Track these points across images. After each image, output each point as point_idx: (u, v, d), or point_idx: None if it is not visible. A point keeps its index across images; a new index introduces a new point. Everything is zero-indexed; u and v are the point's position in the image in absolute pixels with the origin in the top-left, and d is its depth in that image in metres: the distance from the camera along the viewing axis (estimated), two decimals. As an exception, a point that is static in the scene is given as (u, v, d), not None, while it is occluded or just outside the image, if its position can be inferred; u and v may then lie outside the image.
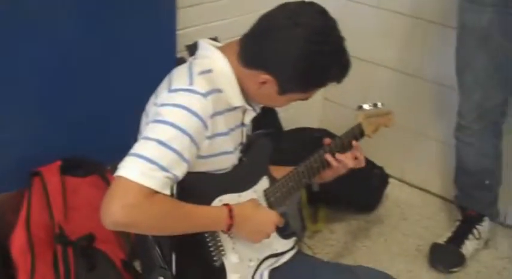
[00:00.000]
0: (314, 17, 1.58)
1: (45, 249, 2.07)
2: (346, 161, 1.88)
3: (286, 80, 1.62)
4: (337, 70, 1.64)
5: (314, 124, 3.33)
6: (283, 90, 1.64)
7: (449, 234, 2.76)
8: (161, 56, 2.37)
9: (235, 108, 1.67)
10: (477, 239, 2.74)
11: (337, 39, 1.62)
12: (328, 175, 1.94)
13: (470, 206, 2.77)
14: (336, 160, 1.87)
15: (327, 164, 1.89)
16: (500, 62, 2.40)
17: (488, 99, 2.49)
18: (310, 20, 1.57)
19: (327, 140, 1.92)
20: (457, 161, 2.74)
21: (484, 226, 2.77)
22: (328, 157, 1.87)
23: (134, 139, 1.57)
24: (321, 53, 1.58)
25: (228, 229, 1.61)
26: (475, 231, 2.74)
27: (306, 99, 1.72)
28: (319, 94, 3.33)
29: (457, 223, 2.79)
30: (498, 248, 2.80)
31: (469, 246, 2.72)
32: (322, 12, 1.61)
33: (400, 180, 3.24)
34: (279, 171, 1.86)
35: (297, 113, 3.21)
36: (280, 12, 1.61)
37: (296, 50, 1.56)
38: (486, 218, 2.77)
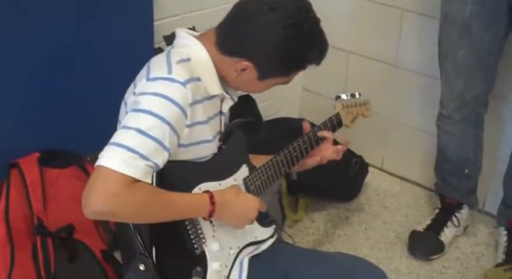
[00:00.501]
0: (288, 0, 1.59)
1: (24, 241, 2.06)
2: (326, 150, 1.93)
3: (265, 65, 1.63)
4: (315, 52, 1.65)
5: (293, 114, 3.34)
6: (263, 75, 1.65)
7: (428, 222, 2.78)
8: (139, 47, 2.36)
9: (213, 97, 1.67)
10: (456, 226, 2.76)
11: (312, 21, 1.63)
12: (308, 163, 1.96)
13: (449, 194, 2.79)
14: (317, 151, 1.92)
15: (306, 153, 1.90)
16: (481, 53, 2.42)
17: (469, 89, 2.50)
18: (284, 3, 1.58)
19: (307, 126, 1.93)
20: (438, 150, 2.75)
21: (463, 214, 2.79)
22: (324, 132, 1.93)
23: (114, 129, 1.57)
24: (298, 36, 1.59)
25: (210, 216, 1.61)
26: (454, 218, 2.76)
27: (287, 83, 1.73)
28: (298, 84, 3.37)
29: (436, 211, 2.82)
30: (477, 235, 2.83)
31: (448, 234, 2.74)
32: None
33: (380, 169, 3.26)
34: (259, 160, 1.87)
35: (277, 103, 3.22)
36: None
37: (273, 35, 1.57)
38: (465, 206, 2.80)
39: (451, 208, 2.78)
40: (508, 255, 2.61)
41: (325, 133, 1.96)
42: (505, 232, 2.69)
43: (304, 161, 1.95)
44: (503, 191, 2.70)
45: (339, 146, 1.98)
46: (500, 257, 2.63)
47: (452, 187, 2.78)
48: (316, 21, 1.64)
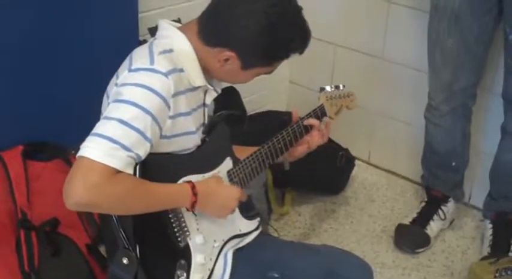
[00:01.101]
0: None
1: (8, 235, 2.04)
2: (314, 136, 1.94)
3: (248, 55, 1.62)
4: (298, 41, 1.65)
5: (281, 107, 3.33)
6: (247, 65, 1.65)
7: (414, 215, 2.78)
8: (124, 39, 2.34)
9: (196, 88, 1.66)
10: (442, 219, 2.77)
11: (295, 9, 1.63)
12: (298, 152, 1.96)
13: (436, 187, 2.79)
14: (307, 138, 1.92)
15: (290, 145, 1.90)
16: (469, 43, 2.43)
17: (458, 80, 2.51)
18: None
19: (296, 117, 1.93)
20: (426, 141, 2.76)
21: (449, 207, 2.80)
22: (311, 120, 1.93)
23: (97, 122, 1.56)
24: (281, 25, 1.59)
25: (192, 206, 1.61)
26: (440, 212, 2.77)
27: (270, 72, 1.73)
28: (285, 78, 3.36)
29: (422, 204, 2.82)
30: (463, 228, 2.84)
31: (433, 227, 2.75)
32: None
33: (367, 162, 3.26)
34: (243, 151, 1.86)
35: (264, 96, 3.22)
36: None
37: (255, 24, 1.57)
38: (451, 199, 2.80)
39: (437, 201, 2.79)
40: (493, 248, 2.62)
41: (311, 121, 1.95)
42: (490, 225, 2.70)
43: (293, 151, 1.95)
44: (489, 184, 2.70)
45: (323, 129, 1.97)
46: (486, 250, 2.64)
47: (439, 180, 2.78)
48: (298, 10, 1.64)
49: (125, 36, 2.36)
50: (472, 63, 2.49)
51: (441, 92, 2.56)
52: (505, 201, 2.67)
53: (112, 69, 1.68)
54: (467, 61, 2.47)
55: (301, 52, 1.68)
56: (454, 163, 2.72)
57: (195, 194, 1.59)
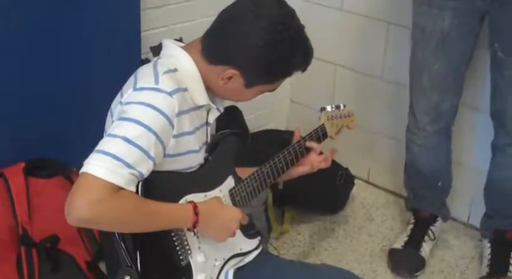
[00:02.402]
0: (273, 7, 1.60)
1: (8, 251, 2.05)
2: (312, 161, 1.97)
3: (251, 73, 1.64)
4: (300, 58, 1.66)
5: (281, 126, 3.35)
6: (250, 83, 1.66)
7: (405, 238, 2.77)
8: (126, 58, 2.36)
9: (200, 107, 1.68)
10: (432, 240, 2.77)
11: (297, 27, 1.64)
12: (298, 172, 1.98)
13: (422, 208, 2.79)
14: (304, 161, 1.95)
15: (291, 164, 1.91)
16: (455, 64, 2.44)
17: (444, 101, 2.51)
18: (269, 10, 1.59)
19: (297, 135, 1.96)
20: (409, 163, 2.76)
21: (437, 226, 2.80)
22: (311, 143, 1.95)
23: (100, 139, 1.57)
24: (283, 43, 1.60)
25: (194, 226, 1.61)
26: (429, 232, 2.77)
27: (273, 90, 1.74)
28: (286, 96, 3.38)
29: (411, 226, 2.81)
30: (462, 248, 2.83)
31: (426, 248, 2.74)
32: (281, 1, 1.63)
33: (366, 181, 3.27)
34: (244, 172, 1.87)
35: (265, 115, 3.23)
36: (239, 5, 1.63)
37: (258, 42, 1.58)
38: (439, 219, 2.81)
39: (426, 222, 2.79)
40: (492, 267, 2.62)
41: (312, 144, 1.97)
42: (488, 244, 2.70)
43: (294, 170, 1.96)
44: (484, 202, 2.71)
45: (327, 154, 1.99)
46: (484, 270, 2.64)
47: (426, 201, 2.78)
48: (300, 28, 1.65)
49: (127, 55, 2.38)
50: (456, 83, 2.50)
51: (428, 113, 2.56)
52: (500, 219, 2.67)
53: (114, 87, 1.69)
54: (453, 82, 2.49)
55: (303, 70, 1.70)
56: (440, 183, 2.72)
57: (196, 214, 1.59)
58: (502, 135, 2.51)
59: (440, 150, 2.66)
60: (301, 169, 1.97)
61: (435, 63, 2.44)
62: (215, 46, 1.64)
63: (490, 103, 2.51)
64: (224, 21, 1.65)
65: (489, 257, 2.66)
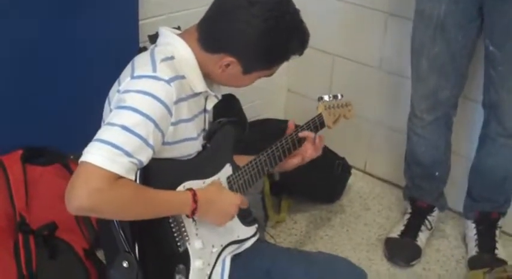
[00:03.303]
0: None
1: (6, 238, 2.04)
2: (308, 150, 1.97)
3: (249, 59, 1.64)
4: (297, 42, 1.67)
5: (278, 115, 3.35)
6: (248, 69, 1.67)
7: (401, 227, 2.79)
8: (124, 46, 2.35)
9: (197, 94, 1.68)
10: (429, 229, 2.79)
11: (292, 12, 1.64)
12: (290, 164, 1.97)
13: (420, 197, 2.80)
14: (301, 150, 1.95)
15: (288, 153, 1.92)
16: (454, 53, 2.44)
17: (442, 88, 2.52)
18: None
19: (291, 126, 1.95)
20: (408, 152, 2.77)
21: (434, 216, 2.82)
22: (306, 132, 1.96)
23: (98, 128, 1.57)
24: (279, 28, 1.60)
25: (193, 213, 1.62)
26: (426, 222, 2.78)
27: (271, 74, 1.75)
28: (284, 86, 3.38)
29: (407, 216, 2.82)
30: (457, 238, 2.85)
31: (422, 238, 2.76)
32: None
33: (363, 171, 3.28)
34: (242, 160, 1.88)
35: (262, 104, 3.23)
36: None
37: (254, 29, 1.58)
38: (436, 209, 2.82)
39: (423, 211, 2.80)
40: (481, 247, 2.66)
41: (305, 133, 1.97)
42: (473, 225, 2.72)
43: (286, 162, 1.96)
44: (468, 185, 2.73)
45: (316, 142, 1.99)
46: (473, 250, 2.67)
47: (424, 191, 2.79)
48: (296, 12, 1.65)
49: (125, 43, 2.37)
50: (456, 73, 2.50)
51: (425, 100, 2.57)
52: (487, 202, 2.70)
53: (112, 76, 1.69)
54: (452, 70, 2.49)
55: (300, 54, 1.71)
56: (437, 173, 2.73)
57: (195, 201, 1.60)
58: (493, 125, 2.52)
59: (438, 140, 2.67)
60: (293, 161, 1.98)
61: (434, 47, 2.44)
62: (211, 35, 1.65)
63: (483, 93, 2.53)
64: (219, 10, 1.65)
65: (475, 237, 2.69)
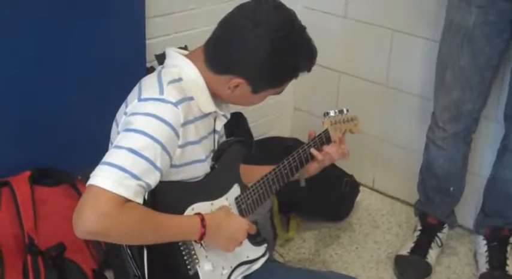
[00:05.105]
0: (271, 13, 1.59)
1: (15, 260, 2.05)
2: (331, 152, 1.97)
3: (257, 80, 1.64)
4: (305, 60, 1.67)
5: (285, 133, 3.35)
6: (257, 89, 1.66)
7: (411, 244, 2.77)
8: (131, 66, 2.37)
9: (206, 115, 1.68)
10: (439, 246, 2.77)
11: (298, 30, 1.64)
12: (313, 169, 1.98)
13: (431, 213, 2.78)
14: (322, 152, 1.96)
15: (296, 171, 1.92)
16: (480, 66, 2.42)
17: (466, 101, 2.49)
18: (268, 17, 1.58)
19: (312, 134, 1.98)
20: (425, 163, 2.75)
21: (445, 233, 2.80)
22: (313, 151, 1.95)
23: (105, 148, 1.57)
24: (286, 48, 1.60)
25: (201, 238, 1.61)
26: (437, 239, 2.77)
27: (280, 92, 1.74)
28: (290, 104, 3.38)
29: (418, 233, 2.81)
30: (468, 255, 2.83)
31: (433, 255, 2.74)
32: (279, 6, 1.62)
33: (371, 188, 3.27)
34: (250, 170, 1.88)
35: (268, 122, 3.24)
36: (238, 14, 1.63)
37: (261, 50, 1.58)
38: (446, 226, 2.80)
39: (433, 228, 2.79)
40: (491, 264, 2.64)
41: (313, 151, 1.97)
42: (484, 242, 2.70)
43: (310, 166, 1.97)
44: (482, 199, 2.71)
45: (342, 146, 2.01)
46: (484, 267, 2.65)
47: (436, 205, 2.77)
48: (302, 30, 1.65)
49: (132, 63, 2.39)
50: (480, 87, 2.48)
51: (448, 111, 2.54)
52: (499, 218, 2.68)
53: (120, 96, 1.69)
54: (477, 84, 2.46)
55: (309, 70, 1.70)
56: (452, 189, 2.71)
57: (204, 226, 1.60)
58: None
59: (457, 154, 2.64)
60: (315, 165, 1.98)
61: (460, 59, 2.41)
62: (218, 57, 1.64)
63: (506, 104, 2.51)
64: (225, 31, 1.64)
65: (486, 253, 2.67)
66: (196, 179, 1.69)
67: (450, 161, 2.66)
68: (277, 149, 2.86)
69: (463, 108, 2.51)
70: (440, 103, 2.57)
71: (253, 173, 1.88)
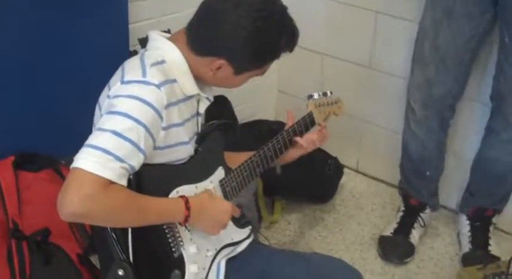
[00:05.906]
0: None
1: (-1, 245, 2.05)
2: (314, 139, 1.98)
3: (239, 61, 1.65)
4: (286, 40, 1.67)
5: (270, 116, 3.36)
6: (239, 70, 1.67)
7: (394, 225, 2.80)
8: (114, 50, 2.35)
9: (189, 98, 1.68)
10: (422, 226, 2.80)
11: (279, 10, 1.64)
12: (290, 156, 1.99)
13: (411, 193, 2.80)
14: (306, 139, 1.96)
15: (280, 153, 1.92)
16: (458, 46, 2.39)
17: (438, 83, 2.47)
18: None
19: (290, 114, 1.99)
20: (402, 146, 2.76)
21: (427, 214, 2.82)
22: (298, 139, 1.95)
23: (89, 133, 1.57)
24: (268, 28, 1.60)
25: (185, 221, 1.61)
26: (419, 219, 2.79)
27: (263, 73, 1.75)
28: (274, 87, 3.38)
29: (400, 213, 2.83)
30: (451, 235, 2.85)
31: (415, 235, 2.76)
32: None
33: (355, 170, 3.28)
34: (235, 157, 1.89)
35: (253, 106, 3.23)
36: None
37: (243, 30, 1.58)
38: (428, 207, 2.82)
39: (415, 209, 2.81)
40: (474, 244, 2.67)
41: (297, 139, 1.98)
42: (467, 222, 2.73)
43: (287, 154, 1.97)
44: (469, 178, 2.73)
45: (323, 132, 2.02)
46: (467, 247, 2.68)
47: (414, 188, 2.79)
48: (283, 10, 1.65)
49: (115, 47, 2.37)
50: (457, 70, 2.45)
51: (419, 90, 2.52)
52: (483, 197, 2.70)
53: (103, 80, 1.69)
54: (453, 66, 2.43)
55: (290, 51, 1.70)
56: (428, 172, 2.72)
57: (188, 208, 1.60)
58: (499, 119, 2.49)
59: (428, 140, 2.63)
60: (295, 152, 1.98)
61: (439, 36, 2.38)
62: (200, 39, 1.64)
63: (492, 85, 2.48)
64: (206, 12, 1.65)
65: (469, 233, 2.70)
66: (180, 162, 1.69)
67: (421, 148, 2.65)
68: (262, 132, 2.87)
69: (435, 90, 2.49)
70: (415, 78, 2.54)
71: (238, 159, 1.88)
